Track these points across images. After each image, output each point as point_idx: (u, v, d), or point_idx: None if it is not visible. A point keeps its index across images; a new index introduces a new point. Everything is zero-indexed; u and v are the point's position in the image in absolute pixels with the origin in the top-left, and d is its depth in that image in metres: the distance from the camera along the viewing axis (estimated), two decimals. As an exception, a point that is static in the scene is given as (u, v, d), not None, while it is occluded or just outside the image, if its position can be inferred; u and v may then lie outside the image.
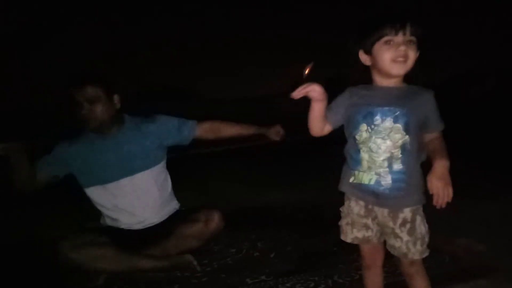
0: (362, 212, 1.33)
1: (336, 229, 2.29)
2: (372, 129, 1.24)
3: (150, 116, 2.17)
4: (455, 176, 1.21)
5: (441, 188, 1.16)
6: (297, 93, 1.23)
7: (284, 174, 3.83)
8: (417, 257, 1.28)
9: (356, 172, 1.30)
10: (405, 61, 1.20)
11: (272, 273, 1.92)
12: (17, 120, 5.44)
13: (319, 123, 1.32)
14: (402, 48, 1.19)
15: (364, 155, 1.27)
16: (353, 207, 1.35)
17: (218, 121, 2.21)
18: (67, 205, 2.38)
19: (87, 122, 1.96)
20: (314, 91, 1.24)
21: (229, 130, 2.20)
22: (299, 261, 2.04)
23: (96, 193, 2.09)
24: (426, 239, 1.28)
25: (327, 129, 1.35)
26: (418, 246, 1.27)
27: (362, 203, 1.32)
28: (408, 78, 1.27)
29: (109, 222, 2.12)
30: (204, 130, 2.18)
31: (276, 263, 2.06)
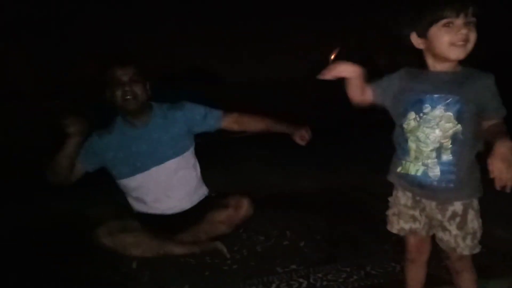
0: (409, 203, 1.28)
1: (364, 218, 2.27)
2: (420, 117, 1.18)
3: (177, 103, 2.16)
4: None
5: (504, 170, 1.06)
6: (324, 75, 1.21)
7: (316, 159, 3.75)
8: (466, 252, 1.23)
9: (404, 162, 1.25)
10: (465, 44, 1.12)
11: (303, 262, 1.91)
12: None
13: (357, 93, 1.28)
14: (464, 31, 1.11)
15: (412, 145, 1.21)
16: (400, 198, 1.30)
17: (246, 114, 2.19)
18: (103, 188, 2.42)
19: (127, 102, 1.97)
20: (346, 71, 1.21)
21: (255, 125, 2.18)
22: (329, 250, 2.02)
23: (128, 183, 2.11)
24: (478, 235, 1.23)
25: (367, 98, 1.30)
26: (468, 241, 1.22)
27: (409, 194, 1.28)
28: (465, 61, 1.19)
29: (140, 208, 2.14)
30: (230, 121, 2.17)
31: (306, 252, 2.04)
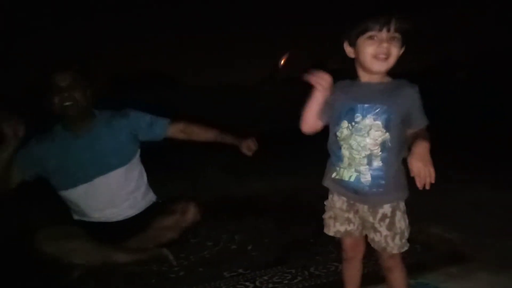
0: (344, 206, 1.34)
1: (313, 220, 2.33)
2: (352, 126, 1.24)
3: (122, 111, 2.12)
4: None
5: (422, 169, 1.13)
6: (309, 78, 1.23)
7: (270, 163, 3.78)
8: (395, 251, 1.29)
9: (338, 168, 1.30)
10: (386, 58, 1.19)
11: (250, 266, 1.93)
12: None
13: (314, 117, 1.31)
14: (385, 45, 1.17)
15: (345, 152, 1.26)
16: (336, 202, 1.35)
17: (193, 123, 2.17)
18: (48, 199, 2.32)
19: (65, 108, 1.90)
20: (324, 79, 1.24)
21: (202, 135, 2.16)
22: (277, 253, 2.05)
23: (70, 194, 2.03)
24: (406, 234, 1.29)
25: (319, 125, 1.34)
26: (397, 241, 1.28)
27: (344, 198, 1.33)
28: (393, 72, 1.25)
29: (83, 217, 2.07)
30: (177, 130, 2.14)
31: (253, 255, 2.06)
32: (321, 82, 1.24)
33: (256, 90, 7.58)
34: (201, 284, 1.80)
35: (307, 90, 1.33)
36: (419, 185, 1.16)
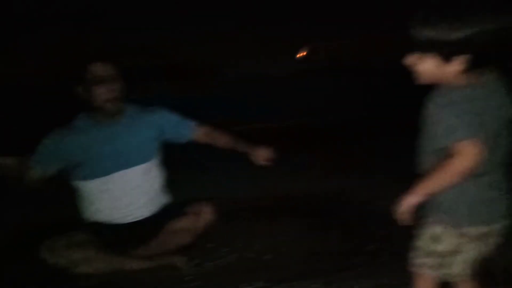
0: None
1: (343, 228, 2.15)
2: None
3: (151, 107, 2.08)
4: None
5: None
6: None
7: (297, 161, 3.47)
8: None
9: None
10: None
11: (270, 279, 1.77)
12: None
13: None
14: None
15: None
16: None
17: (217, 130, 2.11)
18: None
19: (108, 102, 1.86)
20: None
21: (223, 141, 2.11)
22: (299, 265, 1.89)
23: (85, 186, 1.96)
24: None
25: None
26: None
27: None
28: None
29: (96, 215, 1.98)
30: (202, 134, 2.10)
31: (273, 266, 1.91)
32: None
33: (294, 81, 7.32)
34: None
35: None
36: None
